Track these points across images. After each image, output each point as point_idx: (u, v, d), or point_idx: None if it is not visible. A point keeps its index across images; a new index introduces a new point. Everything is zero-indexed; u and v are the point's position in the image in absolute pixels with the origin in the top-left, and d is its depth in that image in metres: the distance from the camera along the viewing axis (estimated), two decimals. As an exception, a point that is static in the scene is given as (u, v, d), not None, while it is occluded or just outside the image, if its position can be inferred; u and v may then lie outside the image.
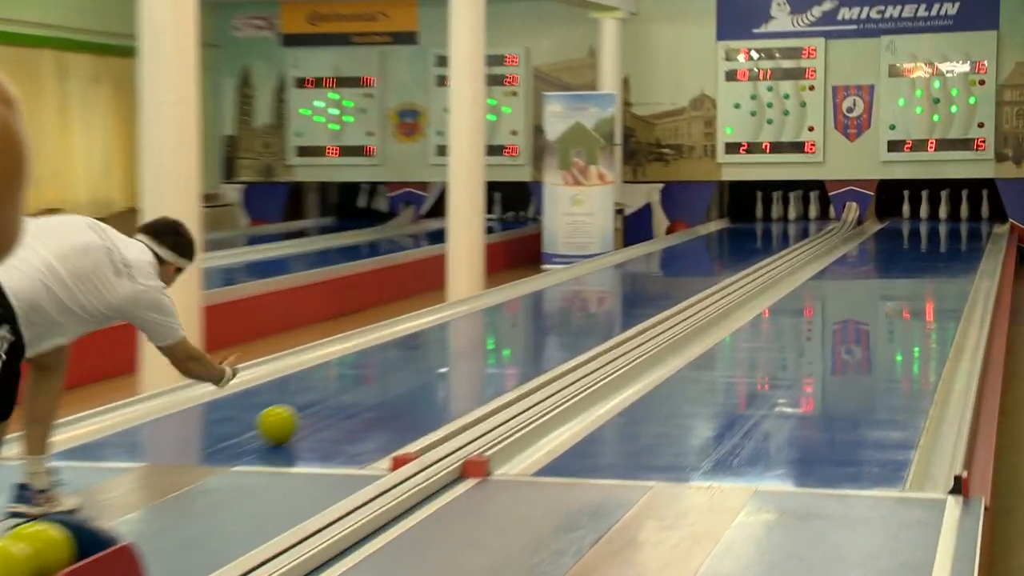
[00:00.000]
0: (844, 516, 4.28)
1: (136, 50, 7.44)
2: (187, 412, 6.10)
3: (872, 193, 16.07)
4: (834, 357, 8.35)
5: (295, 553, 3.73)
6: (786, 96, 16.00)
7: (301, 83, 17.23)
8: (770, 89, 16.01)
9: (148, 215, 7.30)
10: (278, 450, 5.34)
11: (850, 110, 15.91)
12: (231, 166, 17.46)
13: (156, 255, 4.46)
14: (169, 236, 4.56)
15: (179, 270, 4.61)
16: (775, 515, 4.29)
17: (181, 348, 4.52)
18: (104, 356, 8.17)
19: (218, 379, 4.73)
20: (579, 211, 14.46)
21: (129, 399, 6.20)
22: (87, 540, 3.22)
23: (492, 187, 16.36)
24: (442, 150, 14.52)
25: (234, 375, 4.79)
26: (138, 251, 4.41)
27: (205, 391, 6.43)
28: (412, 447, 5.07)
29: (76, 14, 14.42)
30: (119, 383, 7.80)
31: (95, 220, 4.46)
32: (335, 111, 17.17)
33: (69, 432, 5.35)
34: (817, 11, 15.93)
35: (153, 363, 7.12)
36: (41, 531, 3.21)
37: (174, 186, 7.39)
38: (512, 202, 17.21)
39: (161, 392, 6.27)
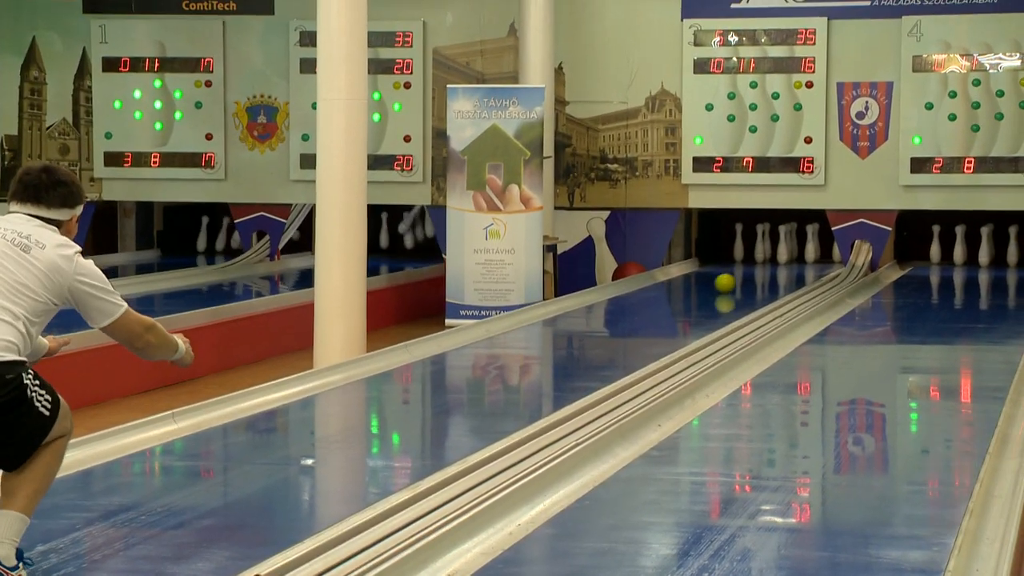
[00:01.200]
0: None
1: None
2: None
3: (890, 228, 16.26)
4: (838, 450, 8.44)
5: None
6: (775, 96, 16.17)
7: (112, 65, 17.13)
8: (754, 86, 16.17)
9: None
10: (80, 572, 5.33)
11: (861, 116, 16.11)
12: (3, 177, 17.32)
13: (48, 221, 5.27)
14: (53, 192, 5.28)
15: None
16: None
17: (133, 320, 5.42)
18: None
19: (174, 350, 5.56)
20: (496, 246, 14.51)
21: None
22: None
23: (376, 212, 16.51)
24: (309, 161, 14.55)
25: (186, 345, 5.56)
26: (25, 223, 5.22)
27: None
28: (266, 567, 5.10)
29: None
30: None
31: None
32: (160, 104, 17.11)
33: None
34: (818, -18, 16.22)
35: None
36: None
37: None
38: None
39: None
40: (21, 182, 5.30)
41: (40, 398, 5.17)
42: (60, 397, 5.31)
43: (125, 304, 5.38)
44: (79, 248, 5.32)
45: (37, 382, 5.19)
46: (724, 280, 11.84)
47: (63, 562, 5.47)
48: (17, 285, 5.18)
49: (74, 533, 5.93)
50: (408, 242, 18.24)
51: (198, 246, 18.27)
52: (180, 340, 5.61)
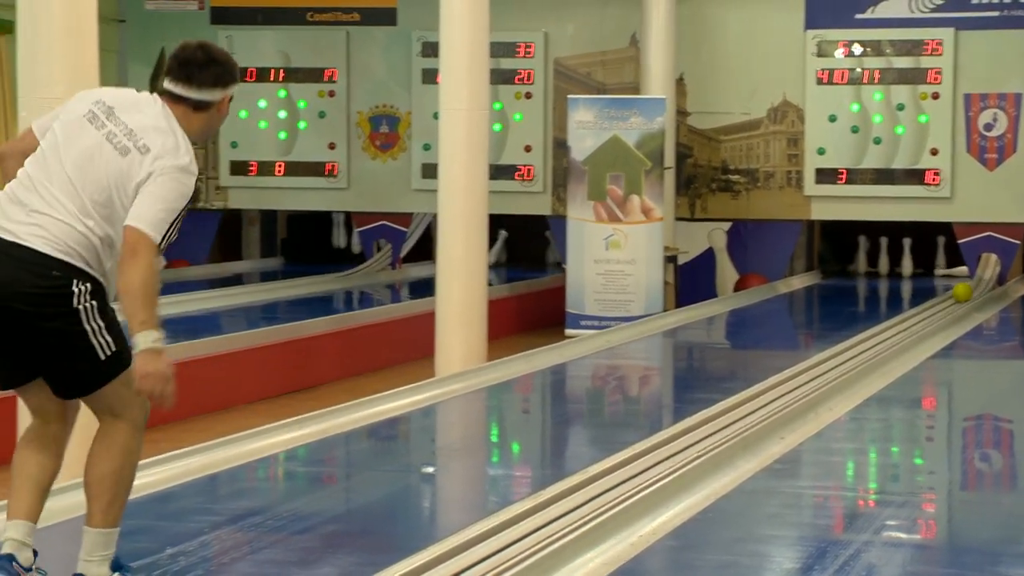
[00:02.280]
0: None
1: (11, 25, 7.51)
2: (78, 521, 6.15)
3: (1019, 242, 16.08)
4: (965, 465, 8.36)
5: None
6: (900, 107, 16.02)
7: (241, 78, 17.30)
8: (879, 97, 16.07)
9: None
10: (208, 575, 5.39)
11: (989, 128, 15.94)
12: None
13: (199, 104, 4.99)
14: (206, 71, 5.01)
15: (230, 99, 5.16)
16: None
17: (143, 245, 4.67)
18: None
19: (145, 322, 4.73)
20: (616, 257, 14.52)
21: None
22: None
23: (497, 222, 16.54)
24: (430, 170, 14.62)
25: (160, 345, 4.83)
26: (149, 112, 4.93)
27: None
28: (390, 573, 5.13)
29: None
30: None
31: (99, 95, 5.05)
32: (284, 114, 17.29)
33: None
34: (944, -8, 16.07)
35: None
36: None
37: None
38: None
39: (53, 491, 6.32)
40: (176, 58, 5.07)
41: (99, 332, 4.78)
42: (132, 361, 4.81)
43: (158, 239, 4.70)
44: (188, 160, 4.86)
45: (100, 310, 4.78)
46: (961, 290, 11.68)
47: (192, 565, 5.54)
48: (97, 189, 4.77)
49: (202, 537, 6.01)
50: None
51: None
52: (156, 335, 4.74)
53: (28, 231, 4.67)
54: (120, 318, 4.86)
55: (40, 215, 4.68)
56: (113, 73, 16.96)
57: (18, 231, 4.68)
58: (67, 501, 6.05)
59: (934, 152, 15.89)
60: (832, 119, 16.10)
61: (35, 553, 4.88)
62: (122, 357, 4.81)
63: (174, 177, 4.74)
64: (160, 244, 4.69)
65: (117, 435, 4.95)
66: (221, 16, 17.36)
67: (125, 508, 5.07)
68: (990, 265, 16.02)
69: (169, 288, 15.61)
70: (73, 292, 4.68)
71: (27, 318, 4.69)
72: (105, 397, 4.87)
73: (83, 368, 4.79)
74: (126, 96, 5.05)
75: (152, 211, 4.68)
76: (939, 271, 16.87)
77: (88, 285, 4.72)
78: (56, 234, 4.67)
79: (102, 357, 4.77)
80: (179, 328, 12.47)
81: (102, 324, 4.76)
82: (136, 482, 6.68)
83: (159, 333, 4.69)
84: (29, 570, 4.82)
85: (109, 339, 4.77)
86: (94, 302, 4.73)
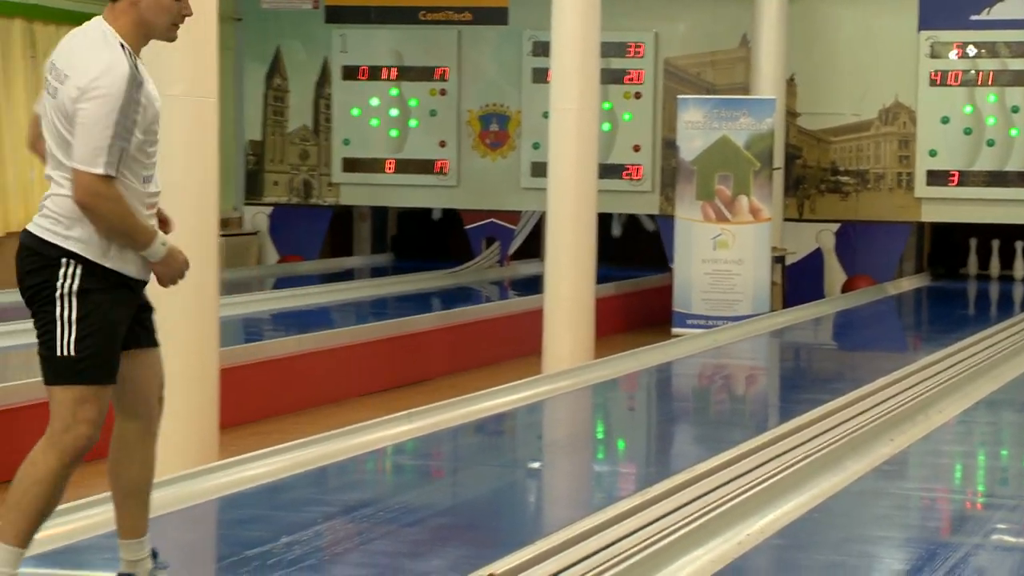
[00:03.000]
0: None
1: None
2: (198, 508, 6.24)
3: None
4: (1075, 468, 8.28)
5: None
6: (1015, 109, 15.86)
7: (351, 73, 17.45)
8: (993, 99, 15.91)
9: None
10: (322, 563, 5.45)
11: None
12: (256, 182, 17.73)
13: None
14: None
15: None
16: None
17: (88, 186, 4.36)
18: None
19: (143, 241, 4.53)
20: (724, 257, 14.48)
21: (88, 498, 6.34)
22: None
23: (605, 220, 16.53)
24: (539, 169, 14.64)
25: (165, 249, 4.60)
26: (75, 44, 4.58)
27: (219, 483, 6.59)
28: (498, 567, 5.15)
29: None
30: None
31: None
32: (396, 112, 17.37)
33: (45, 530, 5.51)
34: (1061, -6, 15.86)
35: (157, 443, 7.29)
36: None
37: (184, 206, 7.52)
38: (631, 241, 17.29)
39: (166, 481, 6.42)
40: None
41: (66, 321, 4.42)
42: (105, 359, 4.47)
43: (101, 169, 4.33)
44: (98, 72, 4.41)
45: (75, 295, 4.42)
46: None
47: (306, 554, 5.60)
48: (58, 145, 4.49)
49: (315, 527, 6.08)
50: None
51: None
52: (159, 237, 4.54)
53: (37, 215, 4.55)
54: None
55: (46, 198, 4.54)
56: (230, 70, 17.15)
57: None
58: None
59: (1052, 153, 15.76)
60: (945, 121, 15.95)
61: (154, 554, 4.86)
62: (91, 353, 4.42)
63: (90, 96, 4.35)
64: (108, 171, 4.33)
65: (38, 453, 4.49)
66: (335, 15, 17.47)
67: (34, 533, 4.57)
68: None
69: (282, 283, 15.82)
70: (58, 278, 4.42)
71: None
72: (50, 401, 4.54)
73: (44, 353, 4.49)
74: (69, 41, 4.68)
75: (83, 145, 4.34)
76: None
77: (78, 268, 4.42)
78: (53, 210, 4.47)
79: (58, 354, 4.43)
80: (291, 322, 12.60)
81: (73, 307, 4.40)
82: (249, 472, 6.80)
83: (160, 239, 4.51)
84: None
85: (77, 326, 4.40)
86: (78, 289, 4.41)
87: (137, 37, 4.55)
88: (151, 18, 4.55)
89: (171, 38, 4.66)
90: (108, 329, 4.47)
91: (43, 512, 4.49)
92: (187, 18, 4.70)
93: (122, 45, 4.48)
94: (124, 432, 4.69)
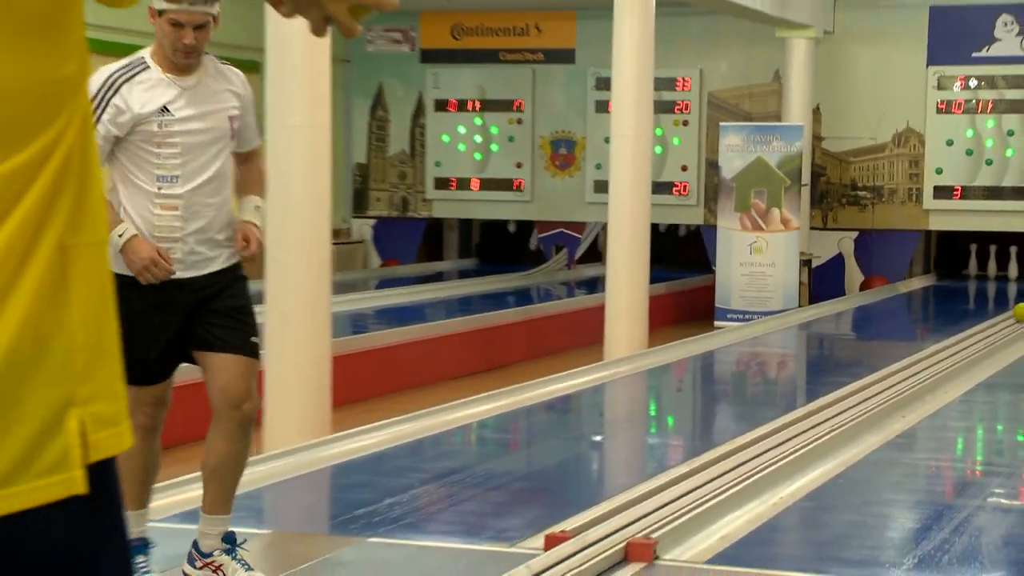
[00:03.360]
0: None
1: (260, 65, 7.65)
2: (315, 475, 6.30)
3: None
4: (1062, 442, 8.21)
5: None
6: (1011, 133, 15.66)
7: (442, 106, 17.48)
8: (991, 124, 15.75)
9: (273, 249, 7.56)
10: (419, 522, 5.49)
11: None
12: (362, 198, 17.81)
13: None
14: None
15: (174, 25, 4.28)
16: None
17: None
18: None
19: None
20: (758, 260, 14.41)
21: (253, 458, 6.41)
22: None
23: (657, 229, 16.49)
24: (601, 186, 14.62)
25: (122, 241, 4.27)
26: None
27: (332, 453, 6.64)
28: (567, 524, 5.16)
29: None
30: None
31: None
32: (479, 138, 17.39)
33: (190, 491, 5.57)
34: (1052, 32, 15.68)
35: (278, 419, 7.36)
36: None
37: (302, 221, 7.58)
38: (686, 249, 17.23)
39: (287, 452, 6.48)
40: None
41: None
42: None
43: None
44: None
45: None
46: (1021, 309, 11.38)
47: (405, 513, 5.64)
48: None
49: (413, 490, 6.11)
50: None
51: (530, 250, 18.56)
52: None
53: None
54: None
55: None
56: (340, 104, 17.21)
57: None
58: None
59: (1042, 172, 15.59)
60: (949, 143, 15.82)
61: (231, 539, 4.51)
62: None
63: None
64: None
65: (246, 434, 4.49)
66: (429, 57, 17.53)
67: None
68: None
69: (383, 283, 15.90)
70: None
71: None
72: None
73: None
74: None
75: None
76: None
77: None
78: None
79: None
80: (391, 317, 12.67)
81: None
82: (357, 444, 6.85)
83: (117, 231, 4.20)
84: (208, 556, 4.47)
85: None
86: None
87: (162, 57, 4.33)
88: (160, 41, 4.30)
89: (178, 62, 4.29)
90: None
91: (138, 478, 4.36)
92: (209, 52, 4.38)
93: (144, 60, 4.34)
94: (212, 421, 4.44)
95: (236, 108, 4.39)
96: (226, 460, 4.37)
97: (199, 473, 4.55)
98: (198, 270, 4.32)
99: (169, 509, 5.34)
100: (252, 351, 4.39)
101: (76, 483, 1.54)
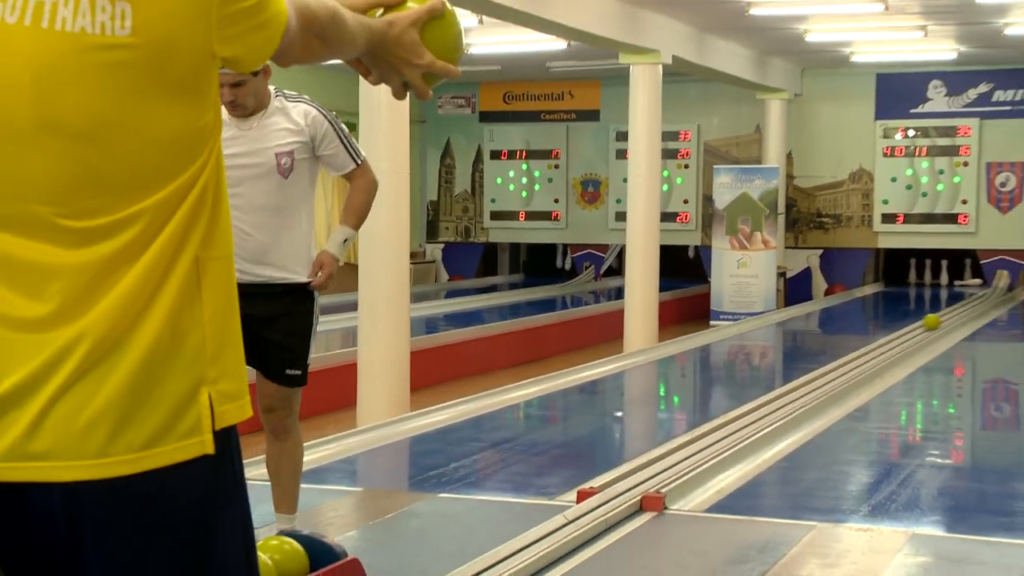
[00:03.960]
0: (998, 563, 4.16)
1: (356, 125, 7.67)
2: (397, 444, 6.27)
3: (1023, 262, 15.48)
4: (984, 413, 8.08)
5: (493, 573, 3.80)
6: (941, 171, 15.54)
7: (496, 155, 17.49)
8: (926, 165, 15.60)
9: (365, 266, 7.55)
10: (478, 480, 5.46)
11: (1003, 185, 15.37)
12: (434, 227, 17.83)
13: None
14: None
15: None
16: (931, 558, 4.19)
17: None
18: (328, 392, 8.44)
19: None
20: (744, 273, 14.32)
21: (348, 431, 6.40)
22: (319, 553, 3.35)
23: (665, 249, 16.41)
24: (621, 216, 14.57)
25: None
26: None
27: (410, 427, 6.61)
28: (595, 482, 5.12)
29: (304, 92, 14.96)
30: (340, 416, 8.04)
31: None
32: (525, 180, 17.37)
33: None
34: (973, 93, 15.46)
35: (368, 400, 7.34)
36: (281, 543, 3.35)
37: (387, 245, 7.59)
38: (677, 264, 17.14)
39: (375, 426, 6.46)
40: None
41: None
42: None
43: None
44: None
45: None
46: (931, 320, 11.28)
47: (467, 474, 5.61)
48: None
49: (473, 456, 6.08)
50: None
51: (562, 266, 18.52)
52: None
53: None
54: None
55: None
56: (417, 155, 17.28)
57: None
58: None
59: (964, 202, 15.43)
60: (893, 180, 15.70)
61: None
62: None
63: None
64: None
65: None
66: (485, 117, 17.55)
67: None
68: (1003, 278, 15.46)
69: (450, 294, 15.90)
70: None
71: None
72: None
73: None
74: None
75: None
76: (958, 283, 16.27)
77: None
78: None
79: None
80: (456, 320, 12.65)
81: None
82: (430, 420, 6.83)
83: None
84: None
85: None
86: None
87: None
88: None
89: (232, 113, 3.78)
90: None
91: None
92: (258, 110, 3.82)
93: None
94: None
95: (291, 144, 3.83)
96: (275, 462, 3.92)
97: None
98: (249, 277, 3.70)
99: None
100: (287, 382, 3.85)
101: (207, 445, 1.56)
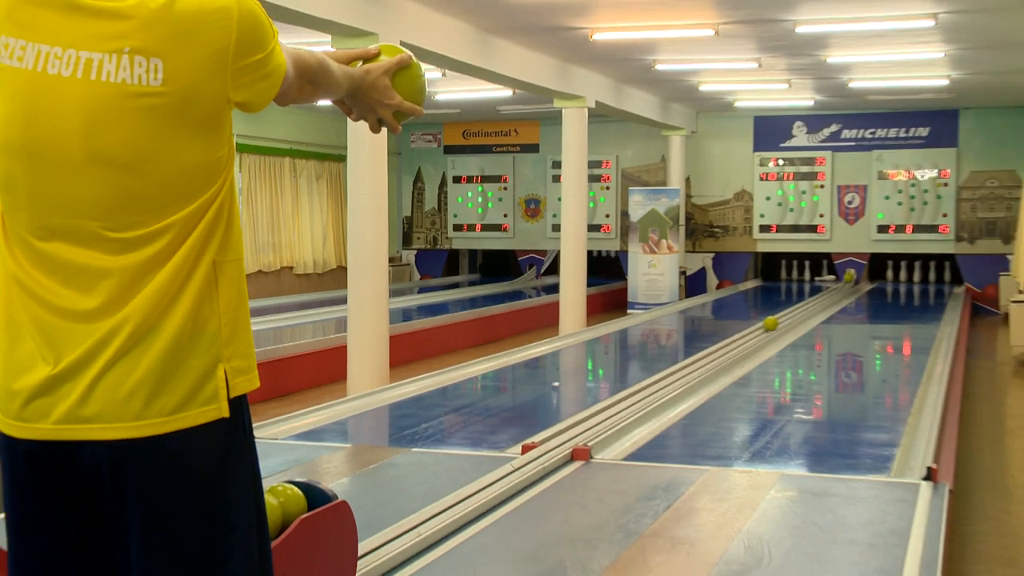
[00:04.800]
0: (846, 494, 4.21)
1: (345, 157, 7.60)
2: (379, 409, 6.24)
3: (865, 262, 15.71)
4: (836, 379, 8.18)
5: (456, 510, 3.80)
6: (803, 192, 15.73)
7: (457, 179, 17.43)
8: (792, 187, 15.77)
9: (353, 267, 7.50)
10: (443, 438, 5.44)
11: (851, 202, 15.60)
12: (408, 237, 17.73)
13: None
14: None
15: None
16: (796, 493, 4.24)
17: None
18: (324, 368, 8.38)
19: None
20: (654, 272, 14.40)
21: (340, 399, 6.35)
22: (315, 496, 3.32)
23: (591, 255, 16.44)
24: (556, 227, 14.60)
25: None
26: None
27: (389, 395, 6.57)
28: (536, 438, 5.13)
29: (304, 132, 14.89)
30: (333, 387, 7.99)
31: None
32: (480, 199, 17.33)
33: (300, 421, 5.51)
34: (826, 132, 15.67)
35: (356, 374, 7.29)
36: (284, 489, 3.31)
37: (370, 252, 7.56)
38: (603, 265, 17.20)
39: (361, 395, 6.42)
40: None
41: None
42: None
43: None
44: None
45: None
46: (769, 322, 11.38)
47: (435, 433, 5.58)
48: None
49: (439, 418, 6.05)
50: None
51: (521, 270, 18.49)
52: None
53: None
54: None
55: None
56: (394, 180, 17.22)
57: None
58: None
59: (821, 216, 15.61)
60: (767, 198, 15.85)
61: None
62: None
63: None
64: None
65: None
66: (448, 150, 17.49)
67: None
68: (850, 275, 15.69)
69: (421, 290, 15.83)
70: None
71: None
72: None
73: None
74: None
75: None
76: (817, 279, 16.46)
77: None
78: None
79: None
80: (426, 311, 12.60)
81: None
82: (402, 390, 6.80)
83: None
84: None
85: None
86: None
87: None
88: None
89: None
90: None
91: None
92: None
93: None
94: None
95: None
96: None
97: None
98: None
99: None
100: None
101: (223, 410, 1.57)
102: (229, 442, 1.60)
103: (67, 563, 1.57)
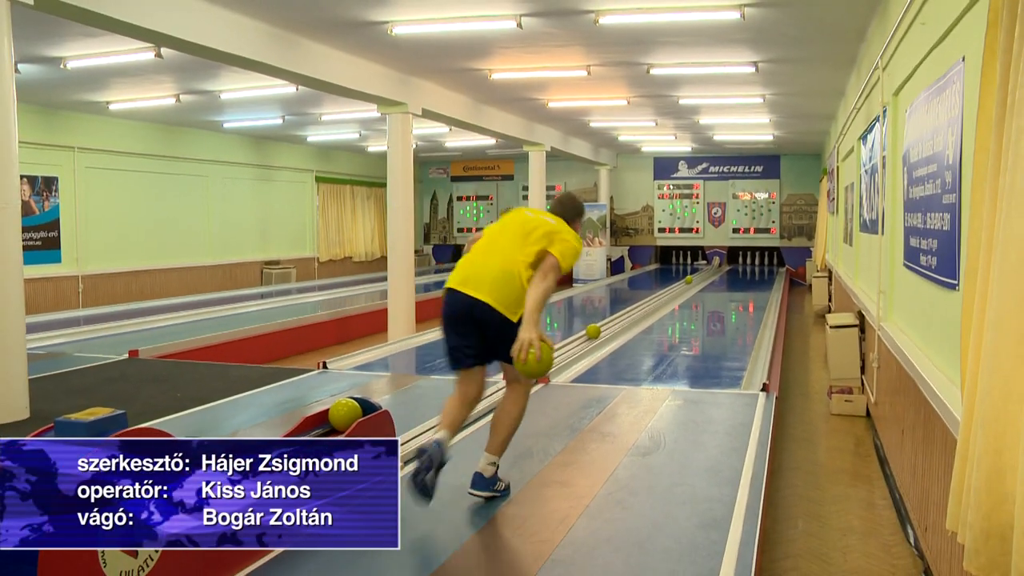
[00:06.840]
0: (713, 402, 4.26)
1: (385, 184, 7.50)
2: (408, 351, 6.20)
3: (725, 252, 15.79)
4: (708, 328, 8.22)
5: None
6: (686, 207, 15.77)
7: (459, 198, 17.30)
8: (680, 202, 15.80)
9: (391, 260, 7.42)
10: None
11: (716, 213, 15.66)
12: (427, 236, 17.60)
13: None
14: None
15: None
16: (682, 402, 4.28)
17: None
18: (373, 324, 8.30)
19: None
20: (590, 259, 14.38)
21: (383, 344, 6.29)
22: (367, 406, 3.34)
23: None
24: (525, 230, 14.45)
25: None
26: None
27: (417, 342, 6.52)
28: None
29: (361, 168, 14.74)
30: (379, 336, 7.92)
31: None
32: (475, 212, 17.20)
33: (357, 358, 5.49)
34: (699, 167, 15.73)
35: (393, 327, 7.24)
36: (345, 402, 3.33)
37: (402, 246, 7.51)
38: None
39: (397, 341, 6.37)
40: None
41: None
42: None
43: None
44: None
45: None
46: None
47: (446, 366, 5.47)
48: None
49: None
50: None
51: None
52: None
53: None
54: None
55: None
56: (418, 199, 17.08)
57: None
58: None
59: (697, 222, 15.65)
60: (664, 210, 15.85)
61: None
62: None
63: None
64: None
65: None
66: (454, 179, 17.29)
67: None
68: (716, 261, 15.76)
69: (436, 271, 15.70)
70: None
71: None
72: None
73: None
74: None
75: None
76: (696, 263, 16.50)
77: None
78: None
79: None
80: (440, 285, 12.47)
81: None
82: (424, 338, 6.73)
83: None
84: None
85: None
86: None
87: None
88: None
89: None
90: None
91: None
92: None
93: None
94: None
95: None
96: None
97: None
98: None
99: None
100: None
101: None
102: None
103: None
